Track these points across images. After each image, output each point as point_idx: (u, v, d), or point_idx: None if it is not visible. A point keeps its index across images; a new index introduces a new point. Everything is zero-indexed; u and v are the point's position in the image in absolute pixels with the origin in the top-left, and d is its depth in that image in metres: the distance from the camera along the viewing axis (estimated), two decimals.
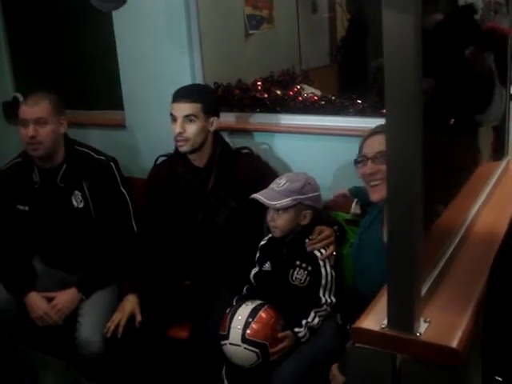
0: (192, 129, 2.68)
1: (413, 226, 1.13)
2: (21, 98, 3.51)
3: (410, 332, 1.14)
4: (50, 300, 2.80)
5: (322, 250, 2.46)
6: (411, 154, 1.08)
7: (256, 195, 2.44)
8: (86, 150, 2.96)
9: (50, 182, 2.88)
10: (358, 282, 2.38)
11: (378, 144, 2.19)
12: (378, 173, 2.17)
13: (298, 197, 2.42)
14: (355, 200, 2.62)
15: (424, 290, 1.20)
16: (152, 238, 2.85)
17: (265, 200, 2.41)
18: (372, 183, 2.22)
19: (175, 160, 2.82)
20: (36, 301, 2.77)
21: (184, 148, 2.72)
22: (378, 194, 2.21)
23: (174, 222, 2.83)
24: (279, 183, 2.46)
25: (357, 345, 1.19)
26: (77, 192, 2.87)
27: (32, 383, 2.93)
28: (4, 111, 3.87)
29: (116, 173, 2.94)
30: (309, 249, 2.45)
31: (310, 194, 2.46)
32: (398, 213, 1.14)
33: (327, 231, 2.49)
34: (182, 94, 2.71)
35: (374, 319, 1.19)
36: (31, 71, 3.87)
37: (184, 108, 2.68)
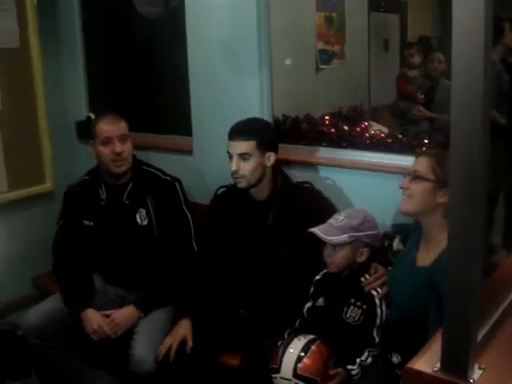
0: (247, 167, 2.69)
1: (472, 271, 1.11)
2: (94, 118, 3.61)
3: (463, 378, 1.12)
4: (107, 317, 2.84)
5: (378, 289, 2.42)
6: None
7: (314, 229, 2.43)
8: (153, 170, 3.05)
9: (116, 199, 2.97)
10: (392, 309, 2.36)
11: (417, 162, 2.26)
12: (407, 189, 2.24)
13: (356, 234, 2.41)
14: (398, 237, 2.62)
15: (480, 336, 1.18)
16: (210, 265, 2.88)
17: (322, 235, 2.41)
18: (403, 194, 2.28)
19: (235, 192, 2.83)
20: (92, 315, 2.82)
21: (241, 185, 2.74)
22: (402, 205, 2.27)
23: (233, 252, 2.84)
24: (338, 219, 2.44)
25: None
26: (141, 209, 2.95)
27: None
28: (77, 130, 3.99)
29: (180, 193, 3.01)
30: (367, 289, 2.42)
31: (368, 232, 2.44)
32: (457, 257, 1.13)
33: (381, 270, 2.47)
34: (236, 132, 2.72)
35: (427, 361, 1.17)
36: (105, 93, 3.98)
37: (238, 146, 2.69)
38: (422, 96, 4.28)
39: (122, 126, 2.92)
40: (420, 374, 1.15)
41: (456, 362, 1.13)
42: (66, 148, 3.97)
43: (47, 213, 3.64)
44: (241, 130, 2.71)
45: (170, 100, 3.72)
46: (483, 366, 1.16)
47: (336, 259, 2.44)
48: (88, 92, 4.00)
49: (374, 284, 2.42)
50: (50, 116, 3.76)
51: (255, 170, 2.70)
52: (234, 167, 2.69)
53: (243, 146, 2.68)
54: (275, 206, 2.76)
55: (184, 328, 2.75)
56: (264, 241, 2.77)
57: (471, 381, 1.11)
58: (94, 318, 2.81)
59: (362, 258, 2.46)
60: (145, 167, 3.05)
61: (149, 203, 2.95)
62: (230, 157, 2.72)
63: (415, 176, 2.23)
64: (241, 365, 2.62)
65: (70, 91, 3.99)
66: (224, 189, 2.92)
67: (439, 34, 5.03)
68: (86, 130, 3.72)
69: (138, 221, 2.95)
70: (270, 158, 2.75)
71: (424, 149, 2.66)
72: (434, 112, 4.17)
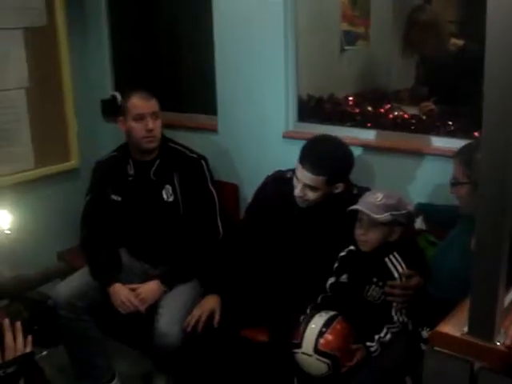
0: (312, 196, 2.60)
1: (501, 239, 1.14)
2: (119, 97, 3.63)
3: (489, 340, 1.15)
4: (133, 291, 2.88)
5: (400, 270, 2.42)
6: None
7: (359, 207, 2.41)
8: (180, 148, 3.08)
9: (143, 175, 3.00)
10: (435, 285, 2.37)
11: (454, 167, 2.31)
12: (454, 194, 2.32)
13: (395, 212, 2.40)
14: (421, 216, 2.64)
15: (507, 302, 1.21)
16: (246, 244, 2.90)
17: (369, 212, 2.38)
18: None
19: (288, 183, 2.72)
20: (120, 289, 2.86)
21: (302, 205, 2.68)
22: (460, 209, 2.33)
23: (271, 234, 2.84)
24: (376, 197, 2.41)
25: (435, 348, 1.21)
26: (168, 186, 2.98)
27: (106, 368, 3.05)
28: (102, 109, 4.02)
29: (206, 170, 3.04)
30: (388, 298, 2.39)
31: (403, 211, 2.43)
32: (486, 224, 1.16)
33: (414, 281, 2.39)
34: (308, 162, 2.56)
35: (455, 325, 1.21)
36: (130, 71, 4.00)
37: (307, 177, 2.56)
38: None
39: (153, 103, 2.95)
40: (448, 337, 1.19)
41: (483, 326, 1.16)
42: (92, 126, 4.00)
43: (73, 190, 3.71)
44: (313, 163, 2.55)
45: (195, 78, 3.74)
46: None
47: (371, 238, 2.43)
48: (113, 71, 4.03)
49: (397, 293, 2.38)
50: (75, 94, 3.81)
51: (320, 197, 2.62)
52: (298, 193, 2.61)
53: (312, 179, 2.56)
54: (321, 214, 2.70)
55: (212, 302, 2.79)
56: (296, 226, 2.77)
57: (497, 343, 1.15)
58: (121, 292, 2.85)
59: (394, 237, 2.46)
60: (172, 144, 3.09)
61: (175, 180, 2.98)
62: (297, 179, 2.62)
63: (453, 182, 2.28)
64: (268, 340, 2.65)
65: (95, 70, 4.01)
66: (281, 174, 2.86)
67: (462, 18, 4.97)
68: (110, 109, 3.77)
69: (164, 197, 2.99)
70: (339, 187, 2.63)
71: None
72: None
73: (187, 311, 2.79)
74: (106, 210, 3.06)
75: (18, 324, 1.89)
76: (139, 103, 2.93)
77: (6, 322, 1.87)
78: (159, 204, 2.99)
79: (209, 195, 3.02)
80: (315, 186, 2.57)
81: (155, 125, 2.92)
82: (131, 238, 3.11)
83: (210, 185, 3.03)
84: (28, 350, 1.86)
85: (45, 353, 2.09)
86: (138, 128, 2.91)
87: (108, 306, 2.88)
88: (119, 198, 3.04)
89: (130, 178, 3.03)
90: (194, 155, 3.06)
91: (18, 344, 1.87)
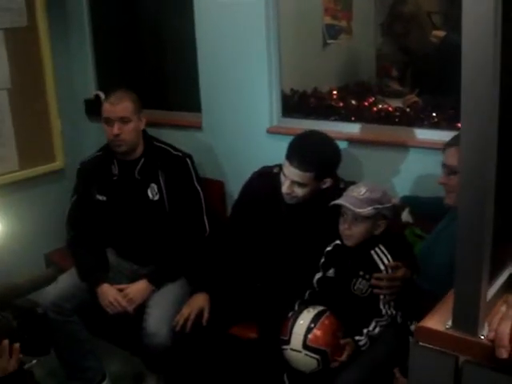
0: (301, 192, 2.59)
1: (483, 232, 1.14)
2: (102, 96, 3.62)
3: (473, 334, 1.15)
4: (121, 291, 2.88)
5: (386, 262, 2.42)
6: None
7: (341, 201, 2.39)
8: (164, 146, 3.07)
9: (128, 175, 3.00)
10: (424, 279, 2.37)
11: (446, 156, 2.31)
12: (447, 184, 2.30)
13: (379, 206, 2.38)
14: (406, 209, 2.64)
15: (490, 295, 1.21)
16: (233, 240, 2.89)
17: (351, 207, 2.36)
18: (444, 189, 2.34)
19: (275, 181, 2.71)
20: (108, 290, 2.86)
21: (290, 202, 2.66)
22: (447, 200, 2.34)
23: (258, 229, 2.83)
24: (359, 191, 2.40)
25: (420, 343, 1.21)
26: (153, 185, 2.98)
27: (96, 369, 3.04)
28: (86, 108, 4.01)
29: (191, 168, 3.04)
30: (375, 291, 2.39)
31: (387, 205, 2.42)
32: (468, 216, 1.16)
33: (401, 272, 2.37)
34: (295, 158, 2.55)
35: (439, 319, 1.21)
36: (113, 70, 3.99)
37: (294, 174, 2.55)
38: None
39: (123, 107, 2.92)
40: (432, 331, 1.19)
41: (467, 320, 1.17)
42: (76, 126, 3.99)
43: (58, 190, 3.70)
44: (301, 160, 2.54)
45: (178, 76, 3.73)
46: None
47: (355, 232, 2.42)
48: (96, 70, 4.01)
49: (383, 285, 2.37)
50: (58, 95, 3.79)
51: (308, 193, 2.61)
52: (286, 190, 2.60)
53: (300, 176, 2.55)
54: (307, 205, 2.69)
55: (201, 300, 2.79)
56: (283, 222, 2.77)
57: (481, 337, 1.15)
58: (109, 292, 2.85)
59: (379, 231, 2.45)
60: (156, 143, 3.08)
61: (160, 179, 2.98)
62: (284, 175, 2.61)
63: (449, 171, 2.26)
64: (258, 338, 2.66)
65: (78, 69, 4.00)
66: (267, 169, 2.85)
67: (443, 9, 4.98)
68: (94, 108, 3.75)
69: (150, 196, 2.99)
70: (327, 182, 2.63)
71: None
72: None
73: (175, 310, 2.79)
74: (91, 210, 3.06)
75: (17, 345, 1.89)
76: (107, 107, 2.93)
77: (5, 343, 1.86)
78: (145, 203, 2.99)
79: (194, 193, 3.02)
80: (303, 182, 2.57)
81: (123, 129, 2.90)
82: (118, 238, 3.10)
83: (195, 183, 3.03)
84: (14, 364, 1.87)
85: (35, 361, 2.07)
86: (107, 131, 2.93)
87: (96, 306, 2.87)
88: (104, 198, 3.03)
89: (115, 178, 3.02)
90: (179, 153, 3.06)
91: (12, 364, 1.87)
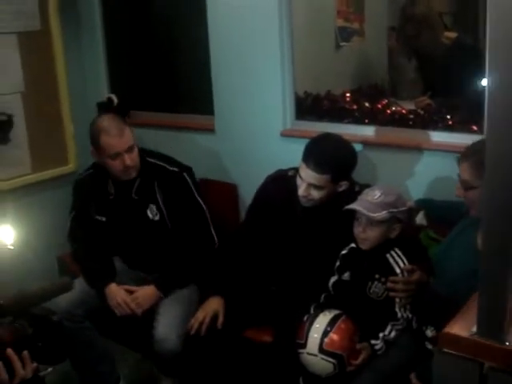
0: (317, 195, 2.58)
1: (509, 238, 1.13)
2: (115, 99, 3.61)
3: (499, 341, 1.14)
4: (130, 293, 2.85)
5: (401, 265, 2.41)
6: None
7: (355, 206, 2.39)
8: (159, 162, 2.97)
9: (124, 195, 2.93)
10: (439, 283, 2.35)
11: (461, 170, 2.26)
12: (465, 198, 2.28)
13: (393, 210, 2.37)
14: (421, 212, 2.61)
15: None
16: (248, 244, 2.88)
17: (365, 211, 2.35)
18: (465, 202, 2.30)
19: (291, 183, 2.70)
20: (116, 290, 2.84)
21: (306, 205, 2.65)
22: (472, 212, 2.29)
23: (273, 234, 2.82)
24: (374, 195, 2.39)
25: (444, 350, 1.20)
26: (152, 205, 2.91)
27: (110, 373, 3.04)
28: (99, 112, 3.99)
29: (190, 183, 2.95)
30: (391, 295, 2.38)
31: (402, 208, 2.41)
32: (494, 225, 1.15)
33: (416, 275, 2.37)
34: (312, 162, 2.53)
35: (463, 326, 1.20)
36: (126, 73, 3.99)
37: (311, 176, 2.53)
38: None
39: (128, 137, 2.82)
40: (457, 337, 1.18)
41: (492, 327, 1.16)
42: (88, 129, 3.98)
43: (71, 193, 3.68)
44: (317, 162, 2.52)
45: (191, 79, 3.72)
46: None
47: (370, 236, 2.41)
48: (108, 73, 4.01)
49: (399, 288, 2.37)
50: (71, 98, 3.79)
51: (325, 196, 2.59)
52: (302, 192, 2.58)
53: (316, 178, 2.53)
54: (323, 208, 2.68)
55: (216, 304, 2.77)
56: (299, 225, 2.75)
57: (507, 343, 1.14)
58: (117, 293, 2.83)
59: (393, 234, 2.44)
60: (150, 159, 2.96)
61: (158, 198, 2.90)
62: (300, 177, 2.59)
63: (466, 186, 2.23)
64: (273, 341, 2.65)
65: (90, 73, 4.00)
66: (282, 173, 2.84)
67: (455, 9, 4.96)
68: (106, 111, 3.75)
69: (150, 216, 2.91)
70: (343, 185, 2.62)
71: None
72: None
73: (185, 317, 2.77)
74: (91, 228, 3.01)
75: (26, 353, 1.89)
76: (113, 142, 2.78)
77: (9, 352, 1.86)
78: (145, 223, 2.93)
79: (197, 208, 2.95)
80: (320, 184, 2.55)
81: (132, 157, 2.82)
82: (123, 250, 3.07)
83: (196, 196, 2.95)
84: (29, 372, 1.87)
85: (50, 369, 2.07)
86: (115, 164, 2.81)
87: (107, 310, 2.86)
88: (103, 219, 2.97)
89: (111, 197, 2.95)
90: (176, 169, 2.95)
91: (28, 372, 1.87)
